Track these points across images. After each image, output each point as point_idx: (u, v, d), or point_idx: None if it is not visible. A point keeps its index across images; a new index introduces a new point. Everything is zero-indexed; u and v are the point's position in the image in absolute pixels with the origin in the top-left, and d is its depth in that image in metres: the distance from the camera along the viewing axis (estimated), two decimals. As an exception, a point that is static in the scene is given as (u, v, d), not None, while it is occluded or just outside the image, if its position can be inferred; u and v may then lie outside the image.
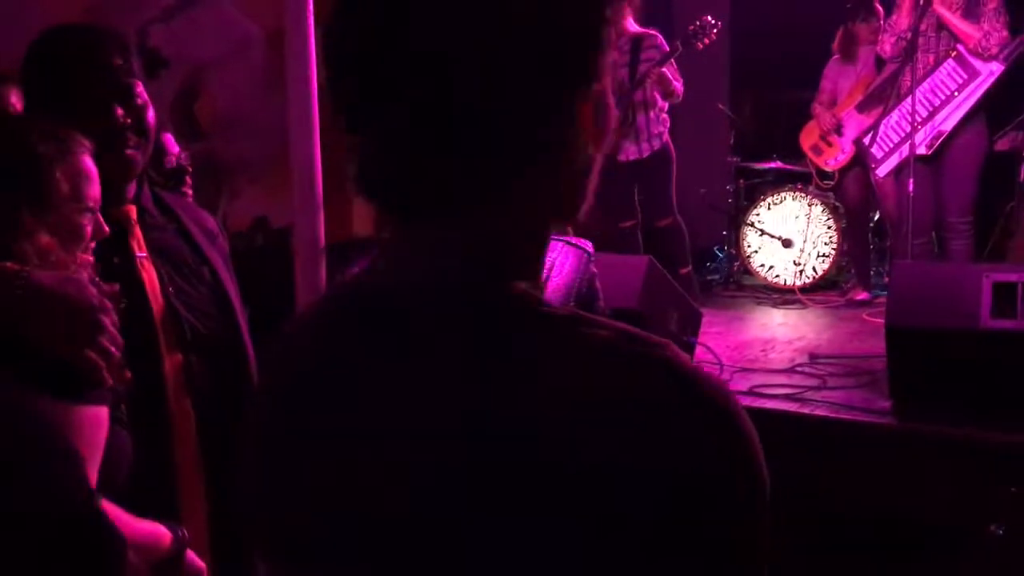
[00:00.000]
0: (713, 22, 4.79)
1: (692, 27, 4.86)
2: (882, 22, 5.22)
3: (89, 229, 1.36)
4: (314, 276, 2.92)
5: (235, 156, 4.95)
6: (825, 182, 6.04)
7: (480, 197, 0.65)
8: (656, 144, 5.05)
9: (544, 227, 0.70)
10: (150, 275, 1.59)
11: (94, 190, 1.36)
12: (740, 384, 3.48)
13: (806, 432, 3.11)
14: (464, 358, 0.61)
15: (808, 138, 5.96)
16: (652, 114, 5.02)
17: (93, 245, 1.38)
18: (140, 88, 1.60)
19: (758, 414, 3.17)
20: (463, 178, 0.64)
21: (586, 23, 0.64)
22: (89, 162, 1.36)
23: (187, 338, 1.59)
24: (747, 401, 3.27)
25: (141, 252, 1.60)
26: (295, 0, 3.96)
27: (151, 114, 1.62)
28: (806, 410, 3.16)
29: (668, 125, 5.14)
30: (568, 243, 2.64)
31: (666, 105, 5.08)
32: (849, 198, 5.68)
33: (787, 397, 3.27)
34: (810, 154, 5.97)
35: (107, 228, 1.38)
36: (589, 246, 2.66)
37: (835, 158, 5.72)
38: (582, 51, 0.64)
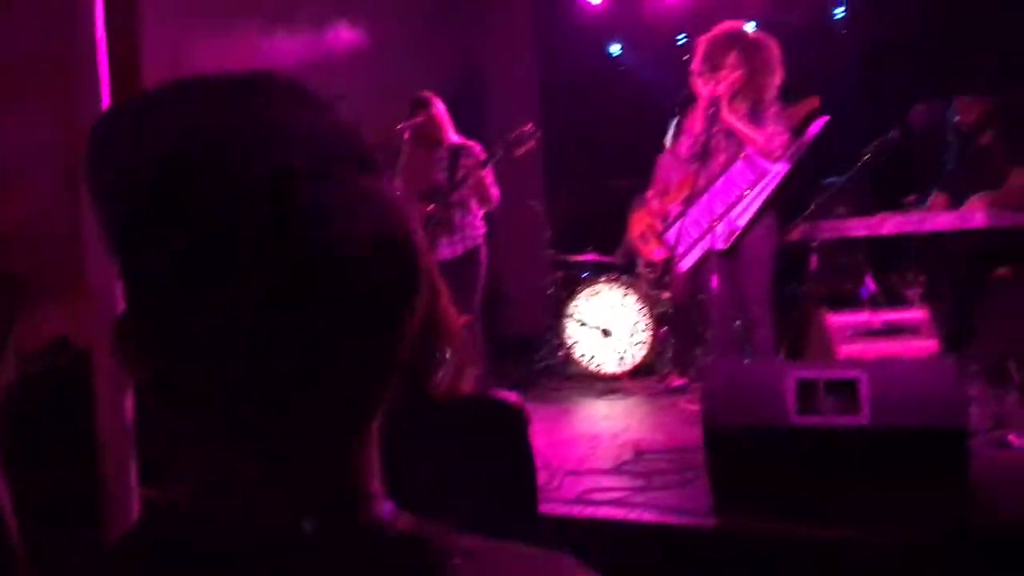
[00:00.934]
0: (533, 130, 4.92)
1: (513, 134, 4.96)
2: None
3: None
4: (116, 404, 2.69)
5: (32, 269, 4.63)
6: (650, 271, 6.28)
7: (350, 431, 0.67)
8: (469, 244, 5.10)
9: None
10: None
11: None
12: (570, 490, 3.49)
13: (633, 538, 3.14)
14: None
15: (637, 227, 6.22)
16: (468, 218, 5.09)
17: None
18: None
19: (589, 525, 3.18)
20: (336, 419, 0.65)
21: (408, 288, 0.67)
22: None
23: None
24: (577, 510, 3.28)
25: None
26: (91, 106, 3.77)
27: None
28: (633, 515, 3.20)
29: (484, 231, 5.18)
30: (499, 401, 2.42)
31: (481, 212, 5.15)
32: (673, 287, 5.92)
33: (614, 503, 3.30)
34: (638, 243, 6.23)
35: None
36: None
37: (659, 248, 5.96)
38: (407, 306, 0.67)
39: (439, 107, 5.12)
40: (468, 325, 4.96)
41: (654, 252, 6.12)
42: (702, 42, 4.57)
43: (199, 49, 5.51)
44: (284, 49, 6.25)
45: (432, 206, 5.03)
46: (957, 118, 5.21)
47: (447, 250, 5.07)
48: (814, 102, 5.20)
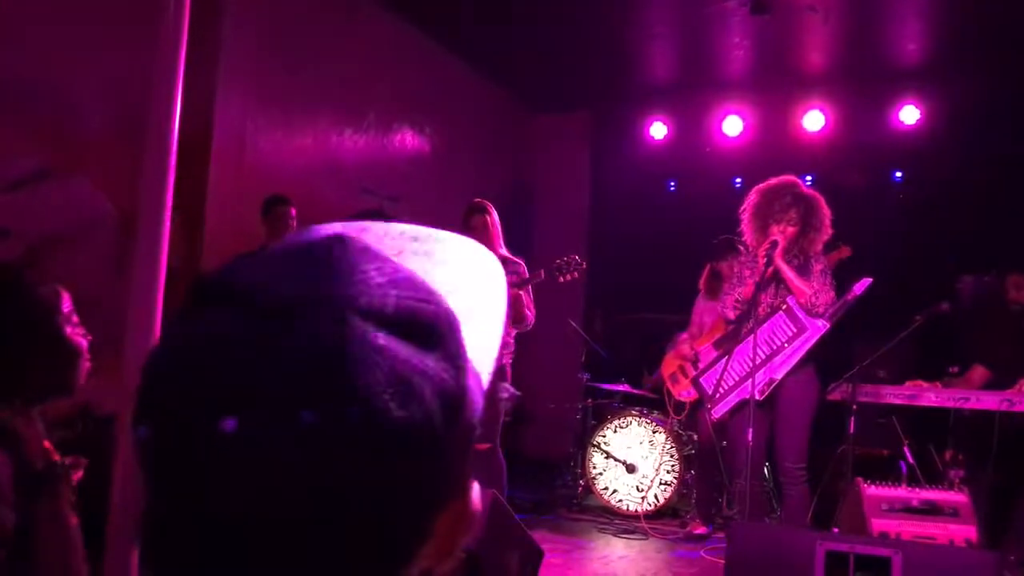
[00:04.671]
0: (579, 261, 4.84)
1: (559, 260, 4.88)
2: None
3: None
4: (136, 475, 2.67)
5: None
6: (678, 412, 6.18)
7: None
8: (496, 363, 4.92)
9: None
10: None
11: None
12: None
13: None
14: None
15: (669, 366, 6.15)
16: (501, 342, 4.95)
17: None
18: None
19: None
20: None
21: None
22: None
23: None
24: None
25: None
26: (153, 183, 3.84)
27: None
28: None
29: (512, 350, 5.01)
30: None
31: (514, 332, 5.02)
32: (700, 430, 5.80)
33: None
34: (668, 382, 6.14)
35: None
36: None
37: (688, 389, 5.87)
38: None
39: (495, 216, 5.05)
40: (489, 451, 4.83)
41: (683, 393, 6.03)
42: (757, 192, 4.54)
43: (268, 136, 5.67)
44: (349, 146, 6.41)
45: None
46: (1009, 295, 5.15)
47: None
48: (845, 251, 5.17)
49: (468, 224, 5.00)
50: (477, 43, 7.07)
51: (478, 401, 0.62)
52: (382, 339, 0.55)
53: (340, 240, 0.61)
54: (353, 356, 0.53)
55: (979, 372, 5.07)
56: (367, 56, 6.43)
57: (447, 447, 0.57)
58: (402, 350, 0.55)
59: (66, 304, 1.91)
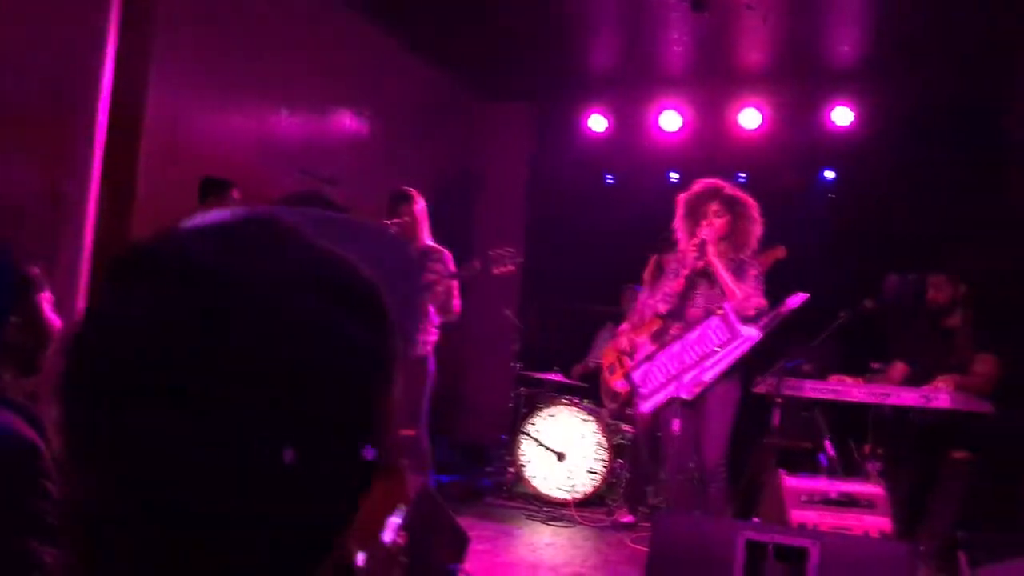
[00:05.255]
0: (514, 253, 4.84)
1: (494, 252, 4.87)
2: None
3: None
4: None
5: None
6: (613, 402, 6.24)
7: None
8: (419, 351, 4.84)
9: None
10: None
11: None
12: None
13: None
14: None
15: (608, 357, 6.20)
16: (422, 323, 4.92)
17: None
18: None
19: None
20: None
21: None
22: None
23: None
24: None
25: None
26: (81, 158, 3.74)
27: None
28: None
29: (435, 340, 4.99)
30: None
31: (438, 320, 4.99)
32: (636, 421, 5.88)
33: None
34: (606, 372, 6.21)
35: None
36: None
37: (623, 380, 5.94)
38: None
39: (420, 204, 5.02)
40: (415, 437, 4.81)
41: (617, 383, 6.10)
42: (682, 200, 4.61)
43: (202, 114, 5.56)
44: (284, 128, 6.32)
45: None
46: (929, 294, 5.30)
47: None
48: (780, 252, 5.27)
49: (394, 212, 4.96)
50: (419, 27, 7.02)
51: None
52: (330, 312, 0.58)
53: (273, 221, 0.63)
54: (304, 328, 0.56)
55: (899, 368, 5.22)
56: (306, 36, 6.34)
57: (380, 419, 0.59)
58: (348, 322, 0.58)
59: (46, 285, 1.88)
